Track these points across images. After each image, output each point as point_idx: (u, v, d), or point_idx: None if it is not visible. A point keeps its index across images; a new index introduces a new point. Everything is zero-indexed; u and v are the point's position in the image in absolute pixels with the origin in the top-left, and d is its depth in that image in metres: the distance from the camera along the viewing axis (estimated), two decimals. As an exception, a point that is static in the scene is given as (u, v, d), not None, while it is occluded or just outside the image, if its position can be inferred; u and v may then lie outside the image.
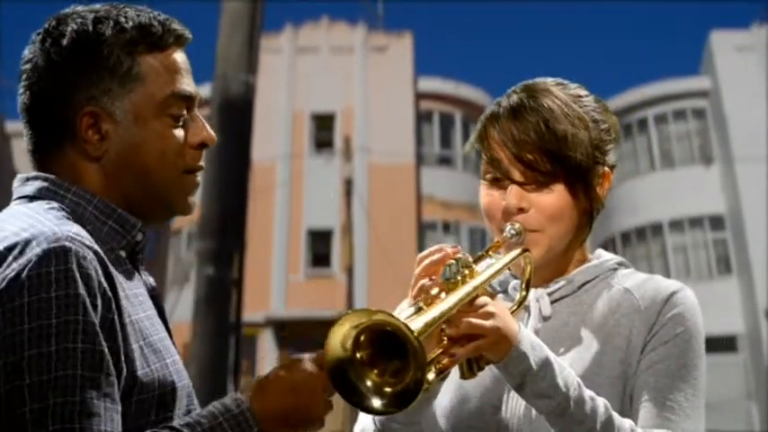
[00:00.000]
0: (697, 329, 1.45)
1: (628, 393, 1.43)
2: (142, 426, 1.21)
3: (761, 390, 20.29)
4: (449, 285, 1.30)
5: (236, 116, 7.76)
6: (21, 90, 1.33)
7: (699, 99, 23.94)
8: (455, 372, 1.48)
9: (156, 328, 1.31)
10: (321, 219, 21.99)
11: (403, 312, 1.26)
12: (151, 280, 1.43)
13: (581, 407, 1.32)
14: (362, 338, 1.20)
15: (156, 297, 1.40)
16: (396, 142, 22.33)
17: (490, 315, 1.30)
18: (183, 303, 15.59)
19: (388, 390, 1.20)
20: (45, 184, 1.30)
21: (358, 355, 1.20)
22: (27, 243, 1.15)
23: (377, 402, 1.20)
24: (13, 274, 1.13)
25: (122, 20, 1.31)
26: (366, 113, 23.02)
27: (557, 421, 1.34)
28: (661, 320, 1.45)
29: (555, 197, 1.47)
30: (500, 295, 1.53)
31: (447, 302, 1.26)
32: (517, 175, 1.47)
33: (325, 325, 1.22)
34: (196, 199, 1.39)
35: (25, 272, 1.13)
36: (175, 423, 1.22)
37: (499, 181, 1.49)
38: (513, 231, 1.45)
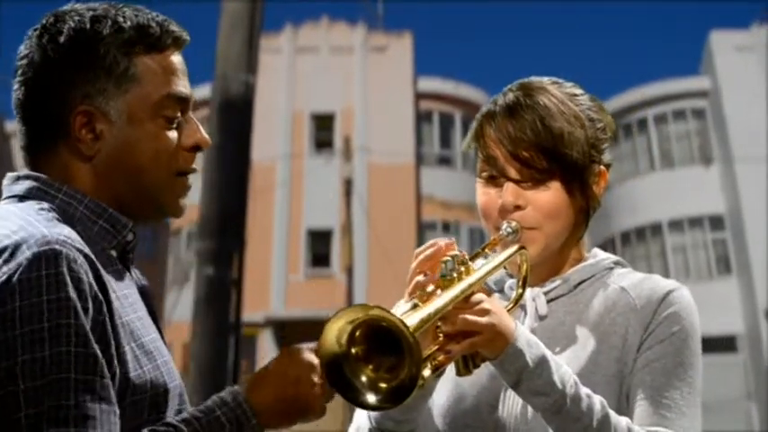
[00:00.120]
0: (693, 328, 1.45)
1: (624, 392, 1.44)
2: (135, 427, 1.21)
3: (761, 390, 20.29)
4: (445, 282, 1.31)
5: (236, 116, 7.76)
6: (16, 86, 1.32)
7: (699, 99, 23.94)
8: (452, 371, 1.48)
9: (147, 329, 1.30)
10: (321, 219, 21.99)
11: (399, 309, 1.27)
12: (142, 278, 1.43)
13: (577, 404, 1.33)
14: (358, 334, 1.20)
15: (147, 296, 1.40)
16: (396, 142, 22.33)
17: (486, 312, 1.31)
18: (183, 303, 15.62)
19: (383, 385, 1.20)
20: (36, 183, 1.30)
21: (353, 351, 1.21)
22: (17, 246, 1.15)
23: (371, 398, 1.20)
24: (3, 278, 1.12)
25: (120, 20, 1.30)
26: (366, 113, 23.02)
27: (553, 419, 1.34)
28: (657, 319, 1.45)
29: (551, 195, 1.47)
30: (496, 294, 1.53)
31: (442, 299, 1.27)
32: (513, 173, 1.47)
33: (325, 325, 1.23)
34: (187, 201, 1.39)
35: (16, 276, 1.12)
36: (173, 419, 1.22)
37: (495, 179, 1.50)
38: (509, 229, 1.45)
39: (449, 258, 1.32)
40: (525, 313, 1.53)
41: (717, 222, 22.87)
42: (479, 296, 1.33)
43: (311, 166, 22.43)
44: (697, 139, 23.71)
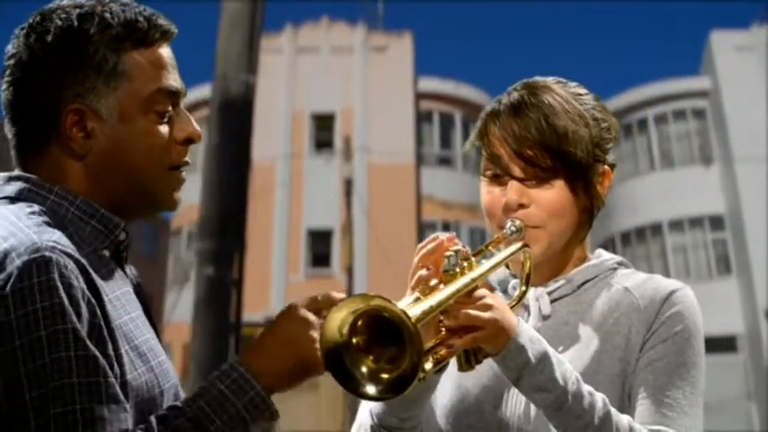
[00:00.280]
0: (696, 328, 1.45)
1: (626, 391, 1.43)
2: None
3: (761, 390, 20.29)
4: (447, 277, 1.31)
5: (236, 116, 7.76)
6: (4, 86, 1.32)
7: (699, 99, 23.93)
8: (455, 371, 1.48)
9: (141, 329, 1.29)
10: (321, 219, 21.99)
11: (401, 302, 1.26)
12: (136, 275, 1.42)
13: (579, 401, 1.33)
14: (359, 324, 1.20)
15: (142, 293, 1.39)
16: (396, 142, 22.32)
17: (488, 307, 1.31)
18: (183, 303, 15.61)
19: (383, 376, 1.20)
20: (26, 185, 1.29)
21: (354, 341, 1.20)
22: (6, 255, 1.14)
23: (372, 388, 1.20)
24: None
25: (107, 16, 1.29)
26: (366, 113, 23.02)
27: (554, 415, 1.34)
28: (660, 319, 1.45)
29: (555, 193, 1.47)
30: (499, 294, 1.53)
31: (445, 292, 1.27)
32: (517, 171, 1.47)
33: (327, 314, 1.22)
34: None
35: (8, 287, 1.12)
36: (178, 402, 1.22)
37: (499, 177, 1.50)
38: (513, 228, 1.45)
39: (452, 253, 1.32)
40: (529, 313, 1.53)
41: (717, 222, 22.86)
42: (482, 291, 1.33)
43: (311, 166, 22.43)
44: (697, 139, 23.71)
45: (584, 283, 1.54)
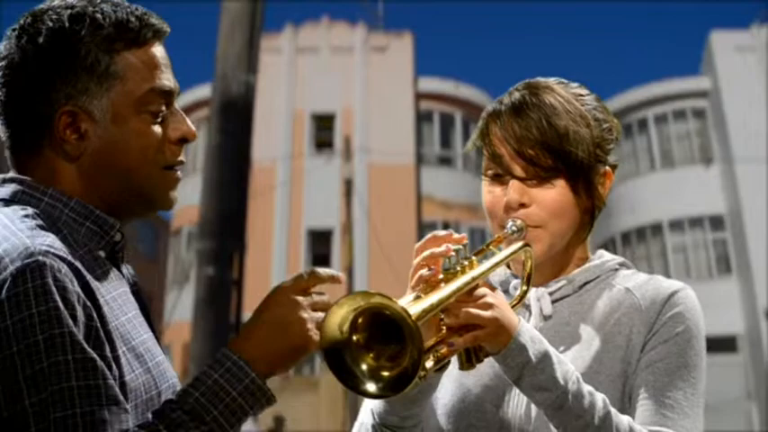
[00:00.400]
0: (697, 329, 1.45)
1: (627, 392, 1.43)
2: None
3: (761, 390, 20.29)
4: (448, 275, 1.31)
5: (236, 116, 7.76)
6: None
7: (699, 99, 23.93)
8: (457, 371, 1.48)
9: (138, 330, 1.29)
10: (321, 219, 21.99)
11: (402, 300, 1.26)
12: (133, 274, 1.42)
13: (579, 401, 1.33)
14: (360, 321, 1.20)
15: (139, 292, 1.39)
16: (396, 142, 22.32)
17: (489, 306, 1.31)
18: (183, 303, 15.62)
19: (384, 374, 1.19)
20: (20, 187, 1.28)
21: (355, 338, 1.20)
22: None
23: (372, 386, 1.19)
24: None
25: (99, 17, 1.28)
26: (366, 113, 23.02)
27: (554, 415, 1.34)
28: (661, 319, 1.45)
29: (556, 193, 1.47)
30: (500, 294, 1.53)
31: (445, 290, 1.27)
32: (518, 171, 1.47)
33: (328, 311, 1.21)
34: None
35: (3, 293, 1.12)
36: (173, 396, 1.21)
37: (501, 177, 1.50)
38: (514, 228, 1.45)
39: (452, 252, 1.32)
40: (530, 313, 1.53)
41: (717, 222, 22.86)
42: (483, 290, 1.33)
43: (311, 166, 22.43)
44: (697, 139, 23.71)
45: (585, 284, 1.53)
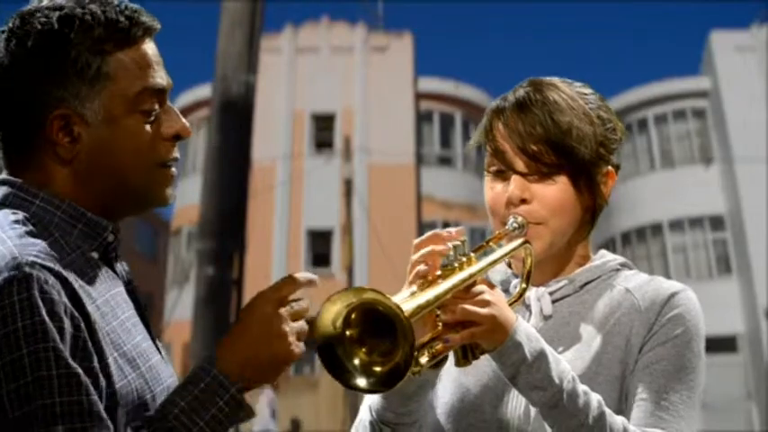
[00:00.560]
0: (696, 331, 1.45)
1: (624, 393, 1.43)
2: None
3: (761, 390, 20.29)
4: (446, 272, 1.30)
5: (236, 116, 7.76)
6: None
7: (699, 99, 23.94)
8: (457, 371, 1.47)
9: (132, 332, 1.28)
10: (321, 219, 22.00)
11: (397, 296, 1.26)
12: (128, 271, 1.40)
13: (574, 400, 1.32)
14: (353, 317, 1.20)
15: (134, 290, 1.38)
16: (396, 142, 22.33)
17: (486, 303, 1.31)
18: (183, 303, 15.62)
19: (375, 369, 1.19)
20: (12, 190, 1.27)
21: (348, 333, 1.20)
22: None
23: (363, 381, 1.20)
24: None
25: (88, 18, 1.27)
26: (366, 113, 23.02)
27: (549, 413, 1.34)
28: (660, 321, 1.44)
29: (558, 189, 1.47)
30: (500, 292, 1.52)
31: (441, 287, 1.26)
32: (521, 166, 1.47)
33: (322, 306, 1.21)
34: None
35: None
36: (152, 413, 1.21)
37: (503, 173, 1.50)
38: (515, 224, 1.45)
39: (450, 248, 1.32)
40: (530, 313, 1.52)
41: (717, 222, 22.87)
42: (481, 287, 1.32)
43: (311, 166, 22.43)
44: (697, 139, 23.72)
45: (586, 284, 1.53)
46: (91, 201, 1.29)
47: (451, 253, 1.32)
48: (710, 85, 23.78)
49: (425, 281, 1.32)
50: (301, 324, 1.25)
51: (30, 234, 1.21)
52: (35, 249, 1.17)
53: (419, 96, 23.72)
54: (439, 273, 1.31)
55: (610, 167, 1.53)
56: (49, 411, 1.09)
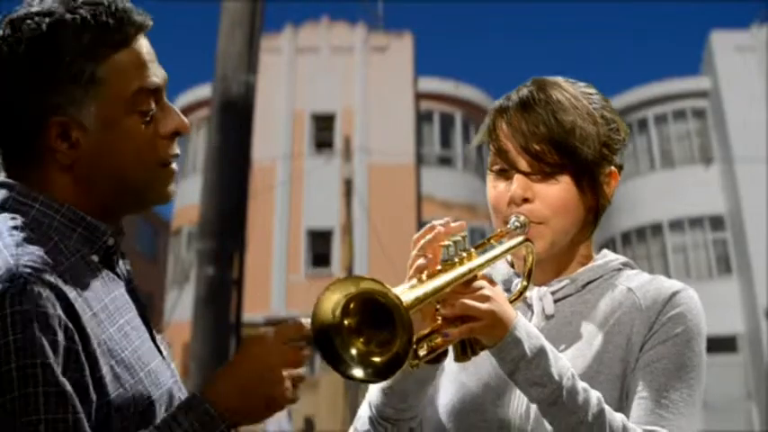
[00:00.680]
0: (697, 330, 1.45)
1: (625, 391, 1.43)
2: None
3: (761, 390, 20.29)
4: (446, 266, 1.30)
5: (236, 116, 7.76)
6: None
7: (699, 99, 23.94)
8: (457, 370, 1.47)
9: (131, 336, 1.27)
10: (321, 219, 21.99)
11: (397, 288, 1.25)
12: (130, 270, 1.39)
13: (573, 397, 1.32)
14: (352, 306, 1.19)
15: (135, 290, 1.37)
16: (396, 142, 22.33)
17: (486, 298, 1.31)
18: (183, 303, 15.61)
19: (373, 359, 1.19)
20: (11, 193, 1.27)
21: (346, 323, 1.20)
22: None
23: (359, 371, 1.19)
24: None
25: (78, 23, 1.25)
26: (366, 113, 23.02)
27: (548, 410, 1.34)
28: (661, 320, 1.44)
29: (560, 189, 1.47)
30: (501, 289, 1.52)
31: (441, 280, 1.27)
32: (524, 165, 1.47)
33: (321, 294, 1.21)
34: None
35: None
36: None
37: (506, 172, 1.50)
38: (517, 223, 1.45)
39: (450, 243, 1.32)
40: (532, 312, 1.52)
41: (717, 222, 22.87)
42: (481, 282, 1.32)
43: (311, 166, 22.43)
44: (697, 139, 23.72)
45: (588, 284, 1.53)
46: (92, 203, 1.29)
47: (452, 248, 1.32)
48: (710, 85, 23.78)
49: (425, 274, 1.32)
50: (299, 371, 1.24)
51: (28, 241, 1.20)
52: (32, 259, 1.16)
53: (419, 96, 23.72)
54: (439, 267, 1.31)
55: (613, 168, 1.53)
56: (34, 428, 1.08)
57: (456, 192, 22.68)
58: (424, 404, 1.50)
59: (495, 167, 1.52)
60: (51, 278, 1.16)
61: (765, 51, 22.82)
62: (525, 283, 1.46)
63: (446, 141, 24.05)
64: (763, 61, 22.77)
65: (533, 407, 1.41)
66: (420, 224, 22.33)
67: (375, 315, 1.18)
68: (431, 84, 24.22)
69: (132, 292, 1.36)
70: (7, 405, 1.08)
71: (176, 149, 1.36)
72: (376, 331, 1.19)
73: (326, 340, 1.20)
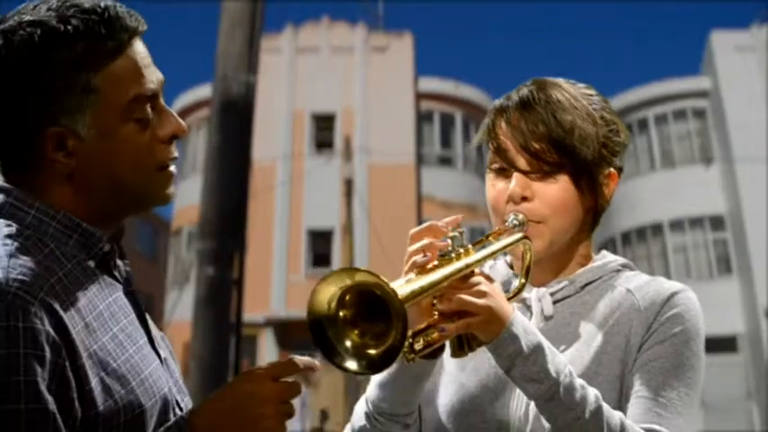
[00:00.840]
0: (696, 330, 1.45)
1: (624, 391, 1.43)
2: None
3: (761, 390, 20.29)
4: (443, 261, 1.31)
5: (237, 116, 7.76)
6: None
7: (699, 99, 23.94)
8: (457, 370, 1.47)
9: (124, 345, 1.25)
10: (321, 219, 21.99)
11: (394, 282, 1.25)
12: (129, 270, 1.38)
13: (571, 394, 1.32)
14: (348, 298, 1.20)
15: (133, 292, 1.36)
16: (396, 142, 22.32)
17: (483, 294, 1.31)
18: (183, 303, 15.61)
19: (368, 351, 1.19)
20: (8, 198, 1.26)
21: (341, 314, 1.20)
22: None
23: (354, 363, 1.20)
24: None
25: (70, 33, 1.23)
26: (366, 113, 23.02)
27: (545, 407, 1.34)
28: (659, 320, 1.44)
29: (559, 188, 1.47)
30: (498, 286, 1.52)
31: (437, 274, 1.27)
32: (523, 164, 1.47)
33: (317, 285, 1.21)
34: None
35: None
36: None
37: (505, 171, 1.50)
38: (516, 221, 1.46)
39: (448, 239, 1.33)
40: (531, 313, 1.52)
41: (717, 222, 22.87)
42: (478, 278, 1.33)
43: (311, 166, 22.42)
44: (697, 139, 23.72)
45: (587, 285, 1.53)
46: (91, 209, 1.28)
47: (449, 243, 1.32)
48: (711, 85, 23.78)
49: (423, 269, 1.32)
50: (289, 407, 1.23)
51: (21, 250, 1.19)
52: (23, 272, 1.16)
53: (419, 96, 23.72)
54: (436, 262, 1.32)
55: (612, 169, 1.53)
56: None
57: (456, 192, 22.68)
58: (421, 402, 1.50)
59: (495, 166, 1.52)
60: (41, 293, 1.15)
61: (765, 51, 22.82)
62: (523, 280, 1.46)
63: (446, 141, 24.05)
64: (763, 61, 22.77)
65: (533, 408, 1.41)
66: (420, 224, 22.27)
67: (370, 307, 1.18)
68: (431, 84, 24.21)
69: (131, 294, 1.35)
70: None
71: (174, 152, 1.35)
72: (371, 323, 1.20)
73: (321, 332, 1.20)
